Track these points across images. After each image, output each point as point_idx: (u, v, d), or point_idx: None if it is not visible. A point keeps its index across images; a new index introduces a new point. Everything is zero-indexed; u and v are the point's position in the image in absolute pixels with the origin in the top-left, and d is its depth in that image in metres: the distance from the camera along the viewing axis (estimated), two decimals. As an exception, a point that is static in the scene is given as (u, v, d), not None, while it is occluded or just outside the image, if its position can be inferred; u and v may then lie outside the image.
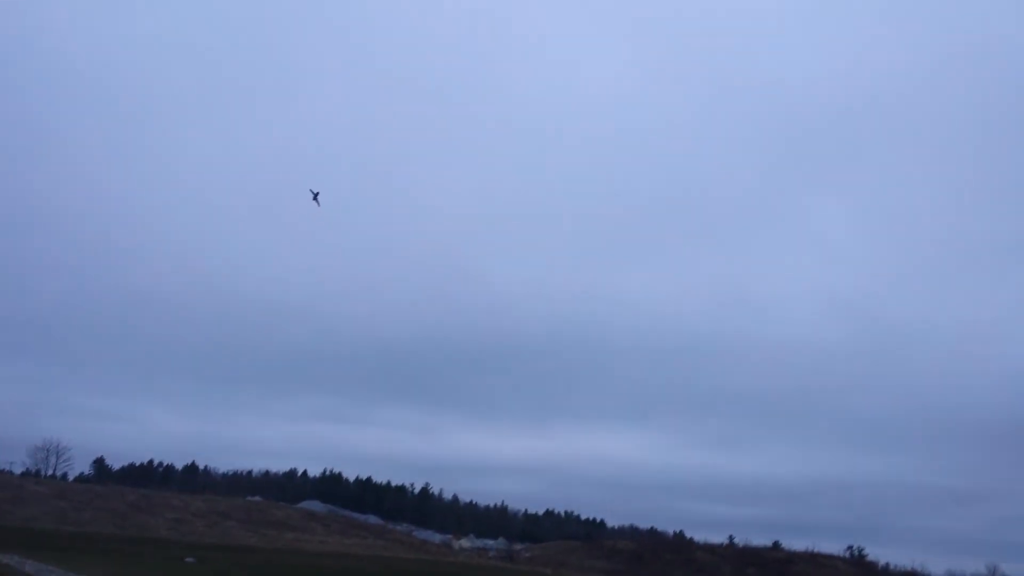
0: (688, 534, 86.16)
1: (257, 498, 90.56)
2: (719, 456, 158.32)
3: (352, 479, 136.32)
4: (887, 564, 64.40)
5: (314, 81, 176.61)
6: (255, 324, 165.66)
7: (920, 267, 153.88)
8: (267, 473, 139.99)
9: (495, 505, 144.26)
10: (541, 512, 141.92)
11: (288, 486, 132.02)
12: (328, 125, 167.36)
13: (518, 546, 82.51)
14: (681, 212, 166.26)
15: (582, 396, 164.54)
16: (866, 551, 66.37)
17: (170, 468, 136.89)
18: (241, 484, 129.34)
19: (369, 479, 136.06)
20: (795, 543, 64.36)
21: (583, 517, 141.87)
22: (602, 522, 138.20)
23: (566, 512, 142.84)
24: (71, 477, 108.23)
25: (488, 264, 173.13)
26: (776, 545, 66.97)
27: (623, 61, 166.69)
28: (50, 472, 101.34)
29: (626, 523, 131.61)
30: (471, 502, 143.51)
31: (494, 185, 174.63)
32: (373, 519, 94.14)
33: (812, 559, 61.76)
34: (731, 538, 73.64)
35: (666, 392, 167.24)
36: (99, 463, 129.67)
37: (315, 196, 65.72)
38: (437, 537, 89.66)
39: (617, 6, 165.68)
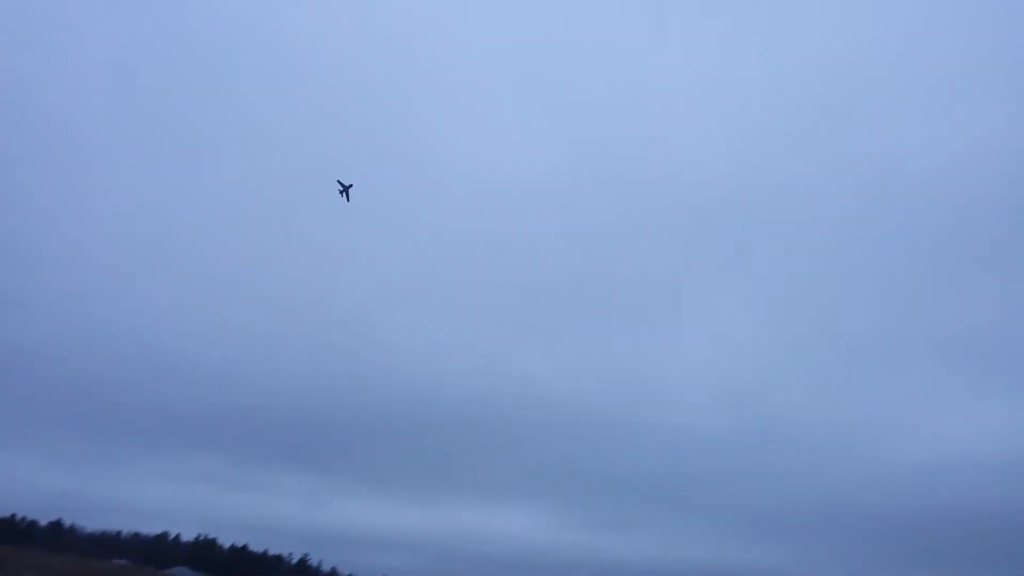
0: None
1: (123, 562, 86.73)
2: (606, 538, 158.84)
3: (227, 546, 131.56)
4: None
5: (221, 142, 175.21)
6: (137, 378, 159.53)
7: (808, 362, 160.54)
8: (137, 535, 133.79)
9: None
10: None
11: (158, 550, 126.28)
12: (233, 183, 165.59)
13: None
14: (586, 295, 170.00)
15: (473, 470, 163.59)
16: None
17: (33, 524, 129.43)
18: (108, 545, 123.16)
19: (245, 547, 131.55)
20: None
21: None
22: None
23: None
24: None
25: (388, 332, 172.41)
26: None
27: (546, 149, 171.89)
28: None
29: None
30: (351, 575, 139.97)
31: (400, 252, 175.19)
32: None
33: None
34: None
35: (557, 471, 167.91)
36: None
37: (345, 189, 63.36)
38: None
39: (545, 108, 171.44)
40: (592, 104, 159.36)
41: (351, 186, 64.34)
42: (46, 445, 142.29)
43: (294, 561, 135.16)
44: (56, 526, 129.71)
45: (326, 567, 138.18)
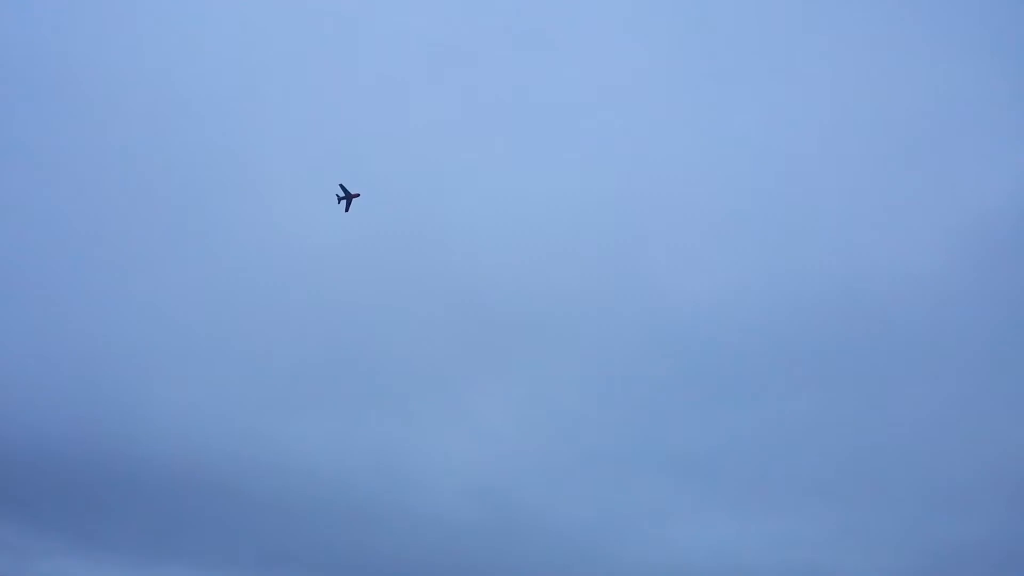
0: None
1: None
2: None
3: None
4: None
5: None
6: None
7: (558, 465, 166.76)
8: None
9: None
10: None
11: None
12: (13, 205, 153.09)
13: None
14: (359, 374, 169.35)
15: (211, 540, 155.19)
16: None
17: None
18: None
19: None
20: None
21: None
22: None
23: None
24: None
25: (145, 384, 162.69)
26: None
27: (337, 223, 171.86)
28: None
29: None
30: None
31: (178, 307, 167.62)
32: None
33: None
34: None
35: (303, 549, 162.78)
36: None
37: (348, 197, 55.43)
38: None
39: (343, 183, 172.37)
40: (389, 188, 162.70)
41: (357, 195, 59.29)
42: None
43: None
44: None
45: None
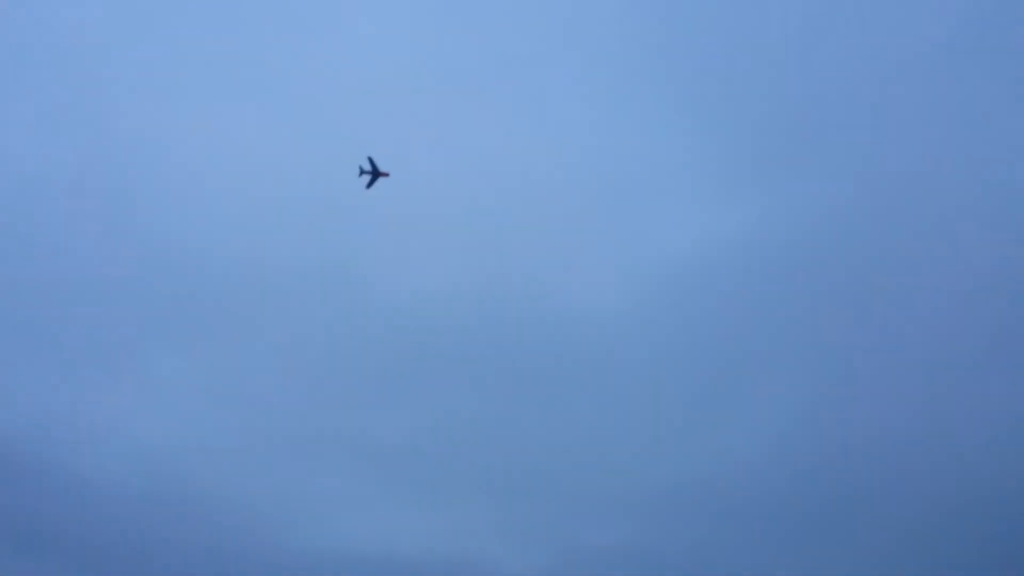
0: None
1: None
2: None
3: None
4: None
5: None
6: None
7: (241, 441, 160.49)
8: None
9: None
10: None
11: None
12: None
13: None
14: (19, 326, 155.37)
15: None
16: None
17: None
18: None
19: None
20: None
21: None
22: None
23: None
24: None
25: None
26: None
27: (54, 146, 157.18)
28: None
29: None
30: None
31: None
32: None
33: None
34: None
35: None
36: None
37: (374, 173, 46.73)
38: None
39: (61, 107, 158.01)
40: (88, 136, 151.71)
41: (387, 174, 51.54)
42: None
43: None
44: None
45: None
